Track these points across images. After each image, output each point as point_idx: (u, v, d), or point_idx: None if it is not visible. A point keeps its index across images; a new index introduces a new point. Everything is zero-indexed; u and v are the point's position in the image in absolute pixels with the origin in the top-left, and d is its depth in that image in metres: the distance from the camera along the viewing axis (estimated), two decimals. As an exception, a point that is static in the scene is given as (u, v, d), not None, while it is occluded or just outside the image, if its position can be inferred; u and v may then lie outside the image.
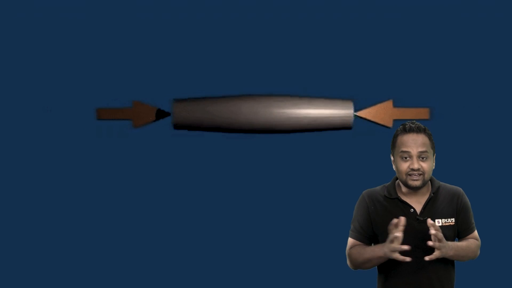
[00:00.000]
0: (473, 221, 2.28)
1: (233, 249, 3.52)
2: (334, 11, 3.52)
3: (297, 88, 3.50)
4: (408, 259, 1.98)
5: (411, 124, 2.14)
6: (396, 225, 1.99)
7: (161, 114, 3.46)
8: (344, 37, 3.53)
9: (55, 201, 3.50)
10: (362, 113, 3.49)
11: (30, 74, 3.48)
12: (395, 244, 1.98)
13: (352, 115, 3.41)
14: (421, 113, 3.48)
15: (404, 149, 2.09)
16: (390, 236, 1.99)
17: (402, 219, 1.98)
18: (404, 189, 2.19)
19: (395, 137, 2.17)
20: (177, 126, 3.43)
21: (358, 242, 2.23)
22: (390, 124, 3.46)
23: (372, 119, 3.48)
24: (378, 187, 2.28)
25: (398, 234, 1.97)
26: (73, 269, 3.49)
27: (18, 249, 3.46)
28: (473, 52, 3.54)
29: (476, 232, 2.29)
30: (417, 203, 2.18)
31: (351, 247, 2.25)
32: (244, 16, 3.51)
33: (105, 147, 3.51)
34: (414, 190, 2.15)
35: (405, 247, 1.97)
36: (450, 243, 2.08)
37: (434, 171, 3.42)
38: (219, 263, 3.52)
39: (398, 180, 2.22)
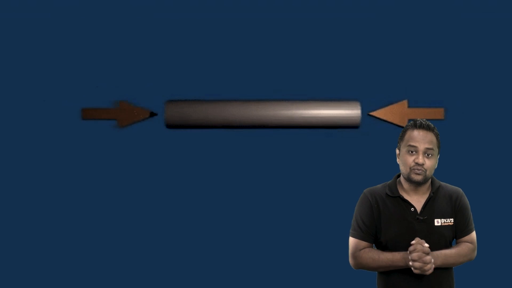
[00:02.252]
0: (471, 223, 2.28)
1: (237, 247, 3.53)
2: (342, 11, 3.54)
3: (308, 89, 3.55)
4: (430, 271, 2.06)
5: (422, 121, 2.19)
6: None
7: (146, 114, 3.48)
8: (358, 37, 3.55)
9: (41, 201, 3.50)
10: (376, 113, 3.51)
11: (14, 74, 3.50)
12: (417, 253, 2.05)
13: (359, 115, 3.45)
14: (436, 113, 3.49)
15: (412, 143, 2.15)
16: (410, 248, 2.08)
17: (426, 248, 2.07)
18: (405, 186, 2.22)
19: (404, 131, 2.22)
20: (170, 126, 3.48)
21: (363, 242, 2.24)
22: (404, 124, 3.48)
23: (387, 119, 3.50)
24: (378, 186, 2.30)
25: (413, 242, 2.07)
26: (65, 269, 3.51)
27: (5, 249, 3.49)
28: (487, 52, 3.54)
29: (473, 234, 2.29)
30: (417, 202, 2.21)
31: (358, 249, 2.23)
32: (245, 18, 3.54)
33: (91, 147, 3.51)
34: (415, 184, 2.18)
35: (426, 244, 2.06)
36: (437, 253, 2.13)
37: (447, 169, 3.47)
38: (220, 260, 3.52)
39: (399, 179, 2.26)
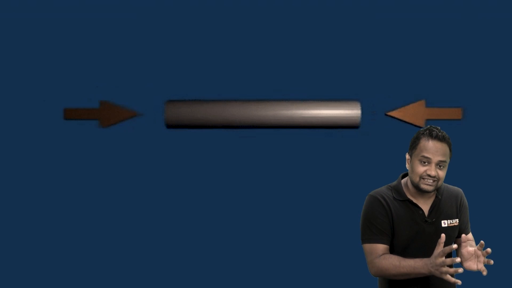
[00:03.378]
0: (469, 221, 2.32)
1: (237, 247, 3.53)
2: (361, 11, 3.52)
3: (310, 89, 3.54)
4: (459, 282, 1.95)
5: (437, 132, 2.13)
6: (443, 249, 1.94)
7: (128, 114, 3.47)
8: (376, 38, 3.54)
9: (23, 200, 3.51)
10: (394, 113, 3.49)
11: None
12: (446, 268, 1.92)
13: (359, 115, 3.43)
14: (454, 113, 3.46)
15: (426, 154, 2.09)
16: (439, 260, 1.93)
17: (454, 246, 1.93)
18: (412, 190, 2.20)
19: (417, 139, 2.15)
20: (170, 126, 3.48)
21: (380, 246, 2.17)
22: (422, 124, 3.45)
23: (404, 119, 3.48)
24: (382, 188, 2.26)
25: (458, 260, 1.91)
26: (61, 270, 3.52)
27: None
28: (505, 51, 3.50)
29: (471, 233, 2.35)
30: (424, 205, 2.20)
31: (377, 254, 2.15)
32: (246, 18, 3.53)
33: (72, 147, 3.50)
34: (423, 193, 2.17)
35: (460, 270, 1.90)
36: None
37: (465, 169, 3.46)
38: (219, 262, 3.53)
39: (403, 180, 2.24)
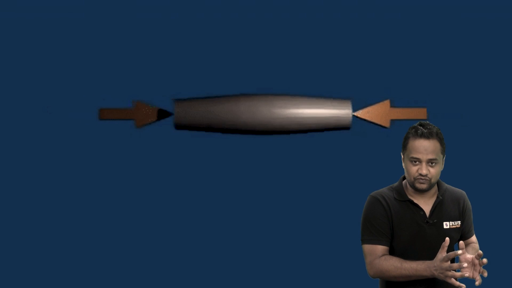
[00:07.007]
0: (472, 224, 2.30)
1: (233, 251, 3.53)
2: (332, 12, 3.57)
3: (293, 87, 3.55)
4: (463, 286, 1.92)
5: (423, 129, 2.07)
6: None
7: (162, 114, 3.53)
8: (343, 38, 3.58)
9: (57, 200, 3.53)
10: (359, 113, 3.51)
11: (32, 74, 3.55)
12: (452, 272, 1.92)
13: (351, 115, 3.44)
14: (418, 113, 3.48)
15: (414, 155, 2.06)
16: (445, 264, 1.93)
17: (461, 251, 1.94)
18: (411, 190, 2.18)
19: (406, 139, 2.13)
20: (178, 126, 3.51)
21: (380, 247, 2.13)
22: (387, 124, 3.47)
23: (370, 119, 3.50)
24: (384, 189, 2.24)
25: (465, 264, 1.92)
26: (76, 268, 3.52)
27: (19, 248, 3.49)
28: (470, 52, 3.55)
29: (475, 236, 2.31)
30: (425, 206, 2.17)
31: (377, 255, 2.12)
32: (243, 16, 3.57)
33: (107, 147, 3.54)
34: (420, 192, 2.15)
35: (467, 274, 1.94)
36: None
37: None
38: (218, 265, 3.53)
39: (405, 181, 2.22)
